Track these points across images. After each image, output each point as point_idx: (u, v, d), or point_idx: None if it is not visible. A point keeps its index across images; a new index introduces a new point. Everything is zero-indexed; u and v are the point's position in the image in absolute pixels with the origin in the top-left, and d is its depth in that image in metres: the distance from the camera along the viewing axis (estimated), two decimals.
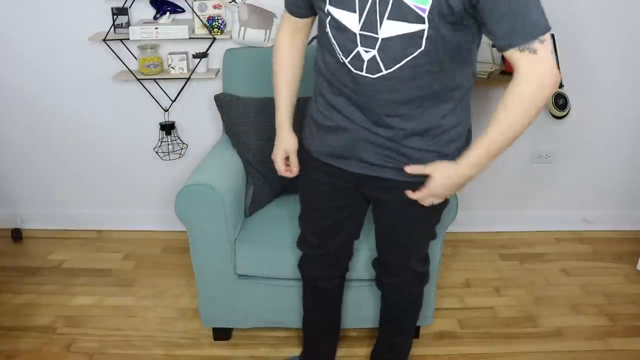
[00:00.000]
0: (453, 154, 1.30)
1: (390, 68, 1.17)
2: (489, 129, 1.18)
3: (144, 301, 2.17)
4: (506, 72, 2.23)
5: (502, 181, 2.55)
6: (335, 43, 1.22)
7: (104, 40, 2.14)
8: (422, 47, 1.14)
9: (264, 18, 2.09)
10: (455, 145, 1.31)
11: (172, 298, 2.19)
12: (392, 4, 1.10)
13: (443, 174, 1.26)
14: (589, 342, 1.97)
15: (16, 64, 2.31)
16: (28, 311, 2.11)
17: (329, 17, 1.20)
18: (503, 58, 2.23)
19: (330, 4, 1.18)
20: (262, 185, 1.95)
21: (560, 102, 2.25)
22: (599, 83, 2.34)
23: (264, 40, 2.10)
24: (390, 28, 1.13)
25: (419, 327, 1.95)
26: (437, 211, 1.47)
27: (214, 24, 2.10)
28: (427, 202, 1.32)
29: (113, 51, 2.22)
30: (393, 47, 1.15)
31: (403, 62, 1.16)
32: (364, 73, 1.20)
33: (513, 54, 1.11)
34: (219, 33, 2.12)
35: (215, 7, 2.10)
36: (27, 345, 1.94)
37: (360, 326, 1.90)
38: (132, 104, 2.38)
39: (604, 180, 2.57)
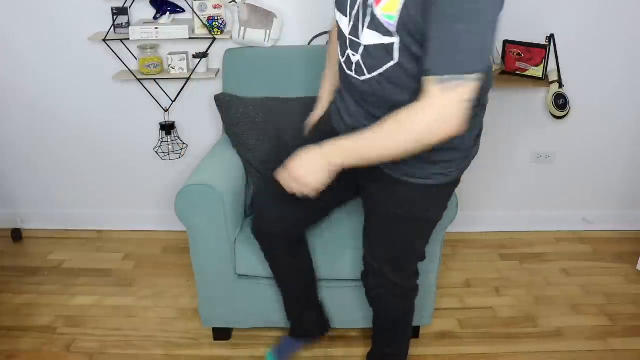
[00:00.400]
0: (443, 162, 1.30)
1: (371, 74, 1.23)
2: (367, 130, 1.16)
3: (144, 301, 2.17)
4: (506, 71, 2.23)
5: (502, 181, 2.55)
6: (338, 43, 1.33)
7: (104, 40, 2.14)
8: (396, 60, 1.16)
9: (264, 18, 2.09)
10: (444, 153, 1.28)
11: (172, 298, 2.19)
12: (369, 15, 1.16)
13: (305, 151, 1.25)
14: (589, 342, 1.97)
15: (16, 64, 2.31)
16: (28, 311, 2.11)
17: (336, 20, 1.31)
18: (503, 57, 2.23)
19: (335, 6, 1.28)
20: None
21: (560, 102, 2.25)
22: (599, 83, 2.34)
23: (264, 40, 2.10)
24: (369, 36, 1.18)
25: (418, 327, 1.95)
26: (423, 222, 1.44)
27: (214, 24, 2.10)
28: (291, 186, 1.27)
29: (113, 51, 2.22)
30: (373, 56, 1.20)
31: (380, 70, 1.20)
32: (353, 74, 1.28)
33: (431, 81, 1.05)
34: (219, 33, 2.12)
35: (215, 7, 2.10)
36: (27, 345, 1.94)
37: (358, 326, 1.90)
38: (132, 104, 2.38)
39: (604, 180, 2.56)
